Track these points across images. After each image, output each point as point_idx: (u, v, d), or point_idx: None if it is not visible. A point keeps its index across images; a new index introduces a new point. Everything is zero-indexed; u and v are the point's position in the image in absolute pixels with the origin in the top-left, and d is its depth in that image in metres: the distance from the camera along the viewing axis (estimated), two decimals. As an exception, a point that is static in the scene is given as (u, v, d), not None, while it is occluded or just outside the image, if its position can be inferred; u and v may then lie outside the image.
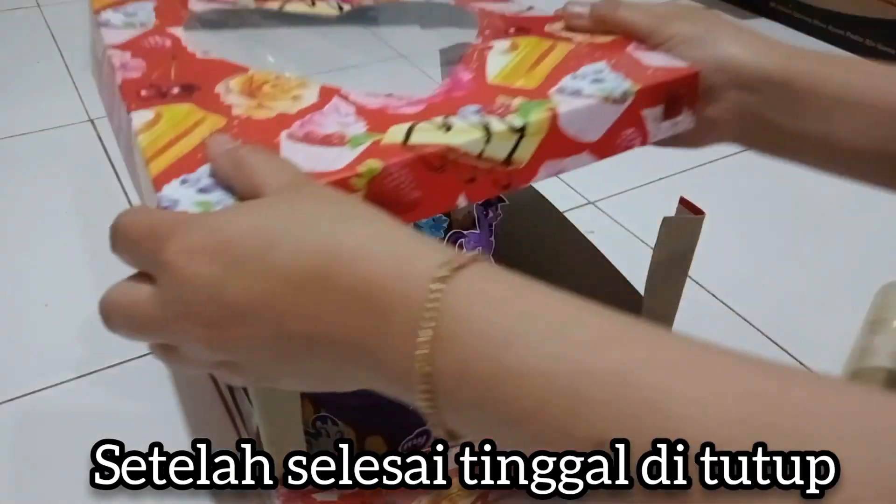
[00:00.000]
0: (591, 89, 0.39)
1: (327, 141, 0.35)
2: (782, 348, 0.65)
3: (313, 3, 0.52)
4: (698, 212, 0.46)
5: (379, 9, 0.57)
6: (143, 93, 0.39)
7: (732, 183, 0.86)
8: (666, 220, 0.46)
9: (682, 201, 0.47)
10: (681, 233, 0.47)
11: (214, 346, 0.30)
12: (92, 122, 0.95)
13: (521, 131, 0.37)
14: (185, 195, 0.31)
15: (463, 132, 0.36)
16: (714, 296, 0.71)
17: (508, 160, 0.37)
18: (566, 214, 0.65)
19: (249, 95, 0.39)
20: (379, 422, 0.46)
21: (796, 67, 0.43)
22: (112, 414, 0.58)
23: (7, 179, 0.84)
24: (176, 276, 0.29)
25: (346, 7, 0.53)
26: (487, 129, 0.36)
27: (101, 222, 0.86)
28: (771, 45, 0.44)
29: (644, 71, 0.41)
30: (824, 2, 1.22)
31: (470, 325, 0.26)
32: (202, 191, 0.32)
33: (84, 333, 0.65)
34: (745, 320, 0.69)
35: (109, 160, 0.87)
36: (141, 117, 0.37)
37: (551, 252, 0.60)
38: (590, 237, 0.61)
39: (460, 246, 0.55)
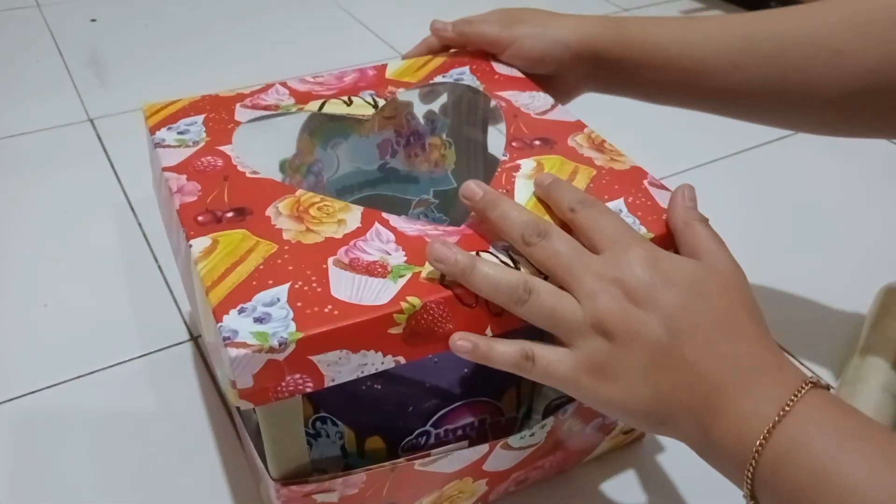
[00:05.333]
0: None
1: (371, 270, 0.38)
2: (782, 348, 0.65)
3: (350, 102, 0.54)
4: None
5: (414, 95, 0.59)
6: (200, 218, 0.42)
7: (731, 184, 0.86)
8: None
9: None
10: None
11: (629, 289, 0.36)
12: (91, 121, 0.95)
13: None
14: (242, 325, 0.35)
15: None
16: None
17: None
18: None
19: (298, 219, 0.41)
20: (379, 422, 0.46)
21: (625, 35, 0.55)
22: (112, 414, 0.58)
23: (7, 179, 0.84)
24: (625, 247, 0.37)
25: (382, 102, 0.55)
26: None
27: (100, 222, 0.86)
28: (593, 21, 0.56)
29: (660, 214, 0.43)
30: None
31: (810, 439, 0.31)
32: (257, 320, 0.35)
33: (84, 333, 0.65)
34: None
35: (109, 160, 0.87)
36: (199, 244, 0.40)
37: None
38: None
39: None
